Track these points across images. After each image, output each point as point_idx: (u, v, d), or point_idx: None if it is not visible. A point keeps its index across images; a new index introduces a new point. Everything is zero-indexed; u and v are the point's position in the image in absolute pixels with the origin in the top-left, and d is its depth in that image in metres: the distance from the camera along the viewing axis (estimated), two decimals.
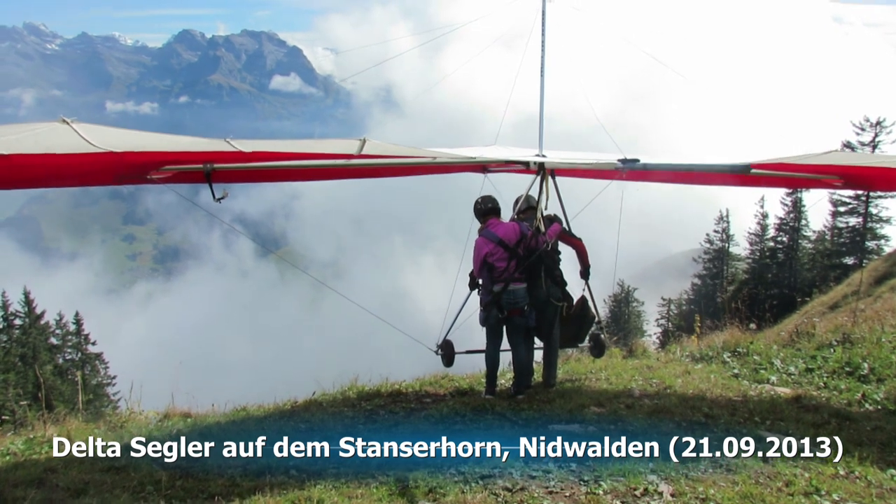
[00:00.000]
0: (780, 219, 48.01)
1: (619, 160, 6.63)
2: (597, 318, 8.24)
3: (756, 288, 46.52)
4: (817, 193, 46.44)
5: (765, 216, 48.65)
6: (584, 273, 7.95)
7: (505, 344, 7.68)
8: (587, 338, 8.27)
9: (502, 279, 7.24)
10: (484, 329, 7.60)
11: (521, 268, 7.24)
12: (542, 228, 7.41)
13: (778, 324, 30.82)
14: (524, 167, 7.55)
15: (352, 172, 7.95)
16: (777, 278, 48.19)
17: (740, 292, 41.53)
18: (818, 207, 47.46)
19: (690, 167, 6.29)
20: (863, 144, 41.32)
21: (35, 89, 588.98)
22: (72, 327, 43.58)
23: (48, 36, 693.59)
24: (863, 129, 41.39)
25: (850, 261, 44.06)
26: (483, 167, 8.55)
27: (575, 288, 7.95)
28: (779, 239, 48.73)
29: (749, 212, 50.23)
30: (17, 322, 39.51)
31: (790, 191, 46.34)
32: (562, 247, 7.85)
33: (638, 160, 6.52)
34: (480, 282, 7.52)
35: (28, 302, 39.49)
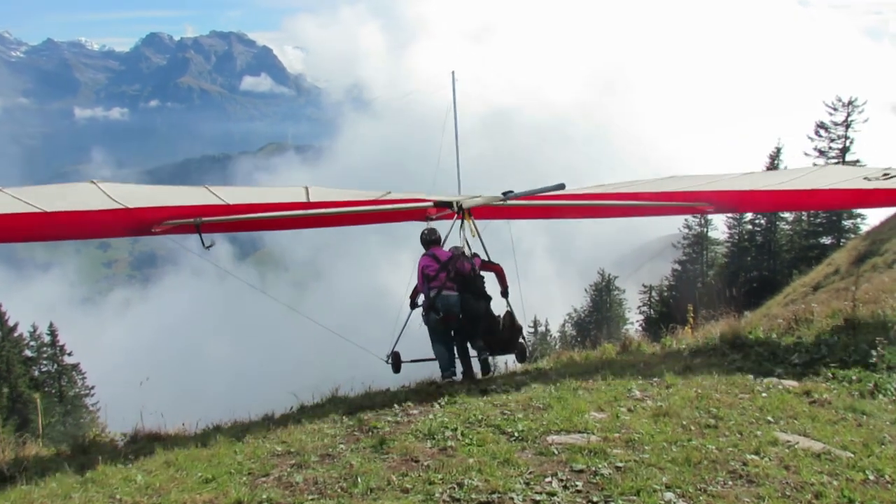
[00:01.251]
0: None
1: (502, 193, 8.46)
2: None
3: (738, 273, 46.44)
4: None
5: None
6: (504, 293, 9.42)
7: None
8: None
9: (435, 286, 8.65)
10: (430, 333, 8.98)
11: (450, 278, 8.66)
12: (468, 255, 9.09)
13: (761, 307, 30.64)
14: (451, 210, 9.17)
15: (310, 223, 9.84)
16: (756, 261, 48.17)
17: (738, 279, 41.41)
18: None
19: (534, 191, 8.12)
20: (836, 124, 41.47)
21: (1, 98, 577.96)
22: (46, 339, 42.57)
23: (12, 43, 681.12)
24: (835, 109, 41.53)
25: (827, 241, 44.12)
26: (425, 216, 9.91)
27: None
28: (756, 222, 48.61)
29: None
30: None
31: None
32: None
33: (512, 191, 8.37)
34: (422, 295, 8.95)
35: (0, 315, 38.40)
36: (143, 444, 7.89)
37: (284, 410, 8.49)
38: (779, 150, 45.12)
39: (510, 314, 9.20)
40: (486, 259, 9.47)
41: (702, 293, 50.31)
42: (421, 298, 9.04)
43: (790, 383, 7.49)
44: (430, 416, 6.71)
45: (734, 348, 9.19)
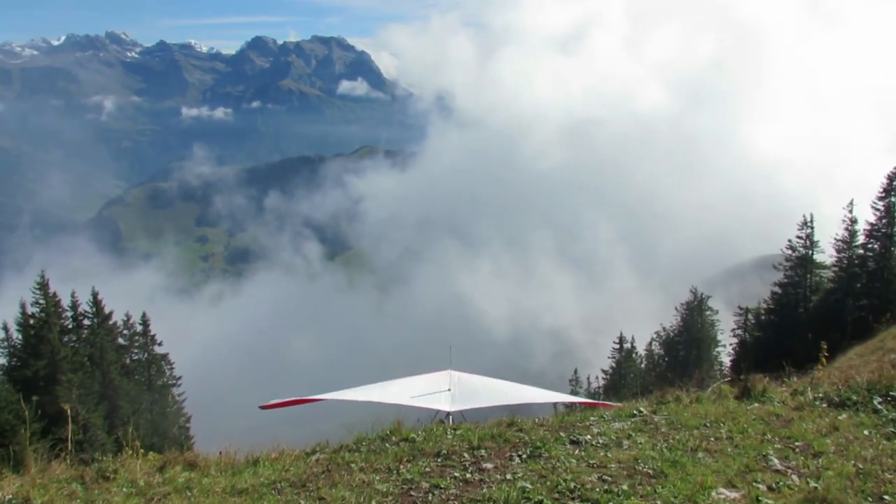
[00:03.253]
0: (871, 224, 43.79)
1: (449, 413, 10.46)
2: None
3: (844, 299, 42.80)
4: None
5: (853, 222, 44.58)
6: None
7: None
8: None
9: None
10: None
11: None
12: None
13: (874, 338, 27.69)
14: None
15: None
16: (867, 288, 44.20)
17: (846, 306, 37.84)
18: None
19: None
20: None
21: (115, 96, 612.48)
22: (139, 328, 43.52)
23: (129, 44, 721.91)
24: None
25: None
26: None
27: None
28: (869, 246, 44.56)
29: (834, 217, 46.16)
30: (87, 322, 39.43)
31: (882, 195, 42.58)
32: None
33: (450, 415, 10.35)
34: None
35: (96, 302, 39.19)
36: (171, 473, 6.79)
37: (338, 441, 7.24)
38: None
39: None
40: None
41: (790, 317, 46.74)
42: None
43: None
44: (508, 476, 5.31)
45: (888, 403, 7.38)
